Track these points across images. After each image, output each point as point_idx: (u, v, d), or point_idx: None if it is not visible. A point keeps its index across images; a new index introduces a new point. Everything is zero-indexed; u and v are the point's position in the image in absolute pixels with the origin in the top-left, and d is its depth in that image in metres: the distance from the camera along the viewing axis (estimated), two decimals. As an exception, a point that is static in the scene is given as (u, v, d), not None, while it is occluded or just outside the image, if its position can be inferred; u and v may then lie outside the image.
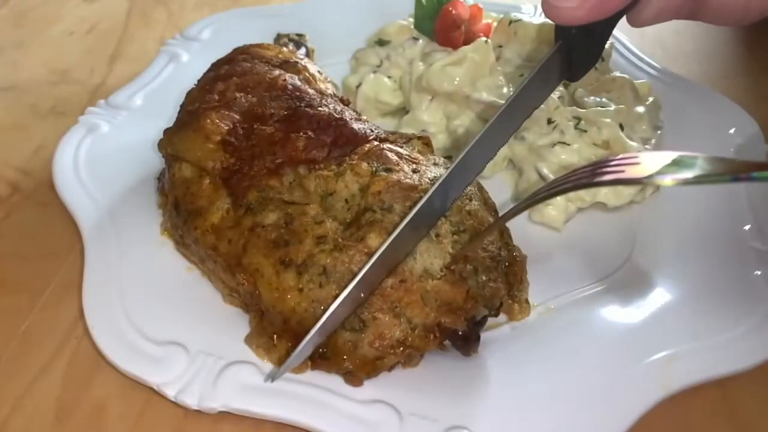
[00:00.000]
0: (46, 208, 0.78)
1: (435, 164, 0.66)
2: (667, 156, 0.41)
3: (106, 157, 0.80)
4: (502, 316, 0.63)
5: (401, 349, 0.56)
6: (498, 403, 0.56)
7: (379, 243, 0.56)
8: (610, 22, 0.59)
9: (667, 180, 0.39)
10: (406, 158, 0.65)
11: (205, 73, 0.77)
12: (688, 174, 0.39)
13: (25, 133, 0.91)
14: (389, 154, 0.64)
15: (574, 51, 0.60)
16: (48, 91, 0.99)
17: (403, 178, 0.62)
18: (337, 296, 0.55)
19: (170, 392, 0.56)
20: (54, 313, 0.66)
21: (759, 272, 0.67)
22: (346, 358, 0.56)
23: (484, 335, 0.60)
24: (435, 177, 0.63)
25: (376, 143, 0.66)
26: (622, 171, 0.42)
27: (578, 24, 0.56)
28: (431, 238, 0.58)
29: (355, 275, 0.55)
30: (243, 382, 0.57)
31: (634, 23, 0.61)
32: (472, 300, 0.57)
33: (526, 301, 0.64)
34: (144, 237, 0.70)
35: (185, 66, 0.95)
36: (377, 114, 0.90)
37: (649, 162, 0.41)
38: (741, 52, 1.09)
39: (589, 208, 0.77)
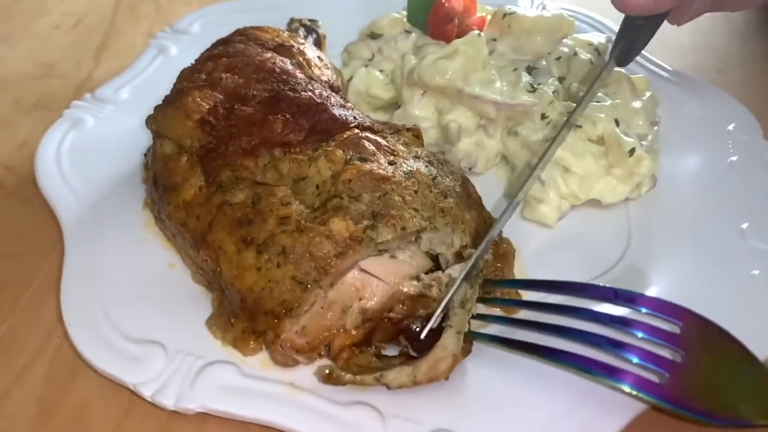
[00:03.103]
0: (30, 205, 0.76)
1: (416, 157, 0.65)
2: None
3: (91, 151, 0.78)
4: (495, 309, 0.63)
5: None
6: (486, 405, 0.55)
7: (342, 227, 0.56)
8: (661, 17, 0.72)
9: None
10: (384, 149, 0.64)
11: (203, 52, 0.77)
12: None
13: (8, 128, 0.89)
14: (366, 144, 0.64)
15: (636, 41, 0.75)
16: (33, 85, 0.97)
17: (375, 168, 0.61)
18: (294, 278, 0.55)
19: (146, 392, 0.55)
20: (36, 312, 0.65)
21: (756, 271, 0.65)
22: None
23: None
24: (411, 171, 0.62)
25: (356, 131, 0.65)
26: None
27: (646, 14, 0.69)
28: (461, 306, 0.58)
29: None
30: (222, 382, 0.56)
31: (677, 21, 0.73)
32: None
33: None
34: (126, 234, 0.69)
35: (174, 59, 0.94)
36: (369, 108, 0.88)
37: None
38: (739, 46, 1.07)
39: (583, 205, 0.75)
